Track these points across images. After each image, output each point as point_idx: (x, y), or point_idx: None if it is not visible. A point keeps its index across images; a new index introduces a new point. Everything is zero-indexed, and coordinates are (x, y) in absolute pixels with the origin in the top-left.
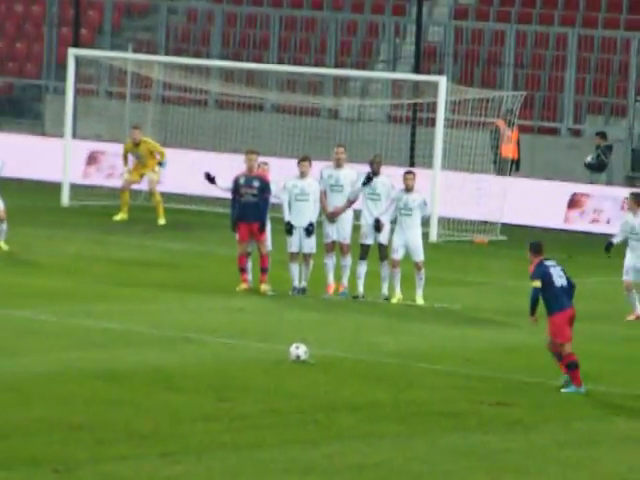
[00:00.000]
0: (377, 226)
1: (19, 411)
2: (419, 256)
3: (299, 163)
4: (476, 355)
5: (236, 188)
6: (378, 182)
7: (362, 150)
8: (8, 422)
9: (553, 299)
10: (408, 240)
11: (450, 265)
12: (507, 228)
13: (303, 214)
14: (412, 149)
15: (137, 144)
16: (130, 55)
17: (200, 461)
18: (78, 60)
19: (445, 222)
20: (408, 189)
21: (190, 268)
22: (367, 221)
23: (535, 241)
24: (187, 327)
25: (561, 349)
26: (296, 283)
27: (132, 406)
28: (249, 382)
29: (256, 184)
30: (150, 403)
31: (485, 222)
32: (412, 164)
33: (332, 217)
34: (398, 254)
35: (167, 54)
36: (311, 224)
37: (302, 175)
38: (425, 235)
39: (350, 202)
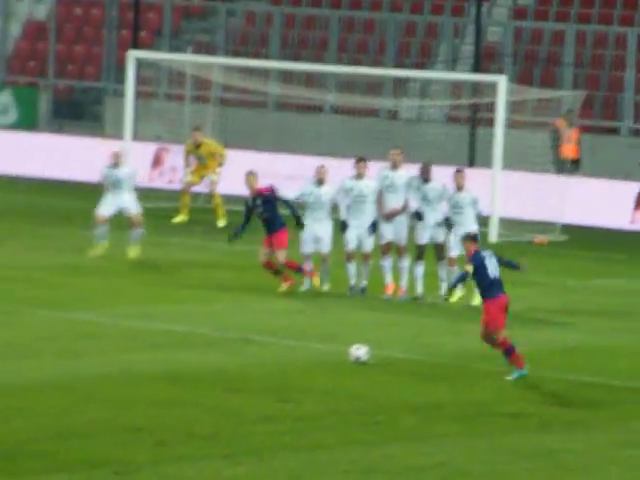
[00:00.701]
0: (418, 216)
1: (80, 413)
2: None
3: (356, 164)
4: (536, 355)
5: (251, 211)
6: (429, 188)
7: (421, 151)
8: (69, 424)
9: (487, 288)
10: None
11: None
12: (567, 228)
13: (362, 215)
14: (471, 149)
15: (198, 145)
16: (189, 57)
17: (262, 462)
18: (137, 62)
19: (505, 222)
20: (459, 188)
21: (250, 269)
22: (423, 223)
23: (470, 232)
24: (248, 328)
25: (495, 335)
26: (353, 282)
27: (193, 407)
28: (310, 383)
29: (259, 202)
30: (211, 404)
31: (545, 222)
32: (471, 164)
33: (388, 218)
34: (455, 251)
35: (226, 56)
36: (374, 223)
37: (359, 176)
38: (485, 235)
39: (404, 207)
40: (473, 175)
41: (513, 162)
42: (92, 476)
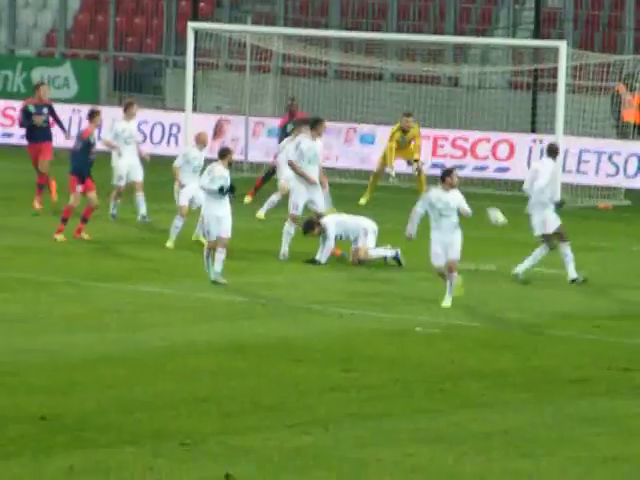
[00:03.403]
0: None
1: (145, 385)
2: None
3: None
4: (603, 321)
5: None
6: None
7: (483, 117)
8: (134, 397)
9: None
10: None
11: (574, 231)
12: (631, 193)
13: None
14: (533, 115)
15: (406, 131)
16: (249, 27)
17: (328, 432)
18: (197, 34)
19: (568, 188)
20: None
21: (309, 239)
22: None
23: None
24: (311, 299)
25: None
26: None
27: (258, 378)
28: (375, 352)
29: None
30: (276, 375)
31: (608, 187)
32: (533, 130)
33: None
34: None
35: (286, 26)
36: None
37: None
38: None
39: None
40: (535, 141)
41: (575, 127)
42: (158, 448)
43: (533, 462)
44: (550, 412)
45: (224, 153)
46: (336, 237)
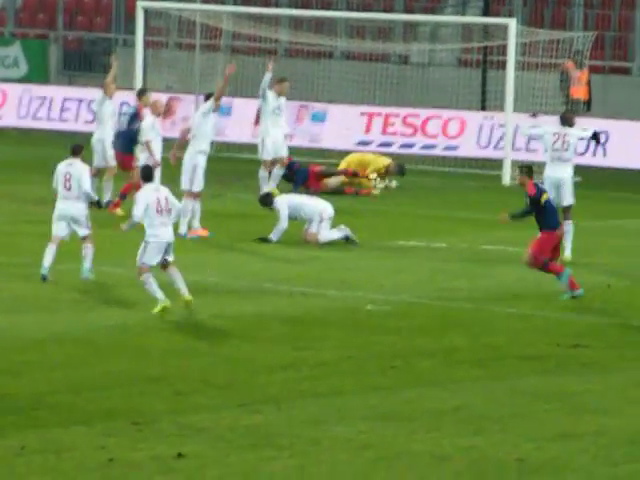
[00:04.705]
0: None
1: (97, 364)
2: None
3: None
4: (552, 297)
5: None
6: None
7: (433, 95)
8: (85, 376)
9: (548, 217)
10: None
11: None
12: (581, 169)
13: None
14: (483, 92)
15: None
16: (199, 6)
17: (280, 410)
18: (147, 12)
19: (518, 165)
20: None
21: (263, 218)
22: None
23: (526, 163)
24: (262, 276)
25: (548, 262)
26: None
27: (209, 357)
28: (326, 330)
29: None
30: (227, 353)
31: None
32: (483, 107)
33: None
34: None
35: (235, 4)
36: None
37: None
38: (498, 178)
39: None
40: (485, 118)
41: (524, 104)
42: (110, 427)
43: (484, 439)
44: (501, 389)
45: (79, 150)
46: (289, 218)
